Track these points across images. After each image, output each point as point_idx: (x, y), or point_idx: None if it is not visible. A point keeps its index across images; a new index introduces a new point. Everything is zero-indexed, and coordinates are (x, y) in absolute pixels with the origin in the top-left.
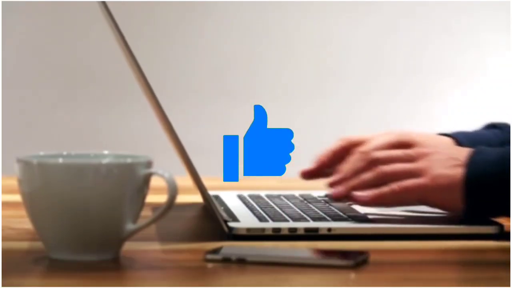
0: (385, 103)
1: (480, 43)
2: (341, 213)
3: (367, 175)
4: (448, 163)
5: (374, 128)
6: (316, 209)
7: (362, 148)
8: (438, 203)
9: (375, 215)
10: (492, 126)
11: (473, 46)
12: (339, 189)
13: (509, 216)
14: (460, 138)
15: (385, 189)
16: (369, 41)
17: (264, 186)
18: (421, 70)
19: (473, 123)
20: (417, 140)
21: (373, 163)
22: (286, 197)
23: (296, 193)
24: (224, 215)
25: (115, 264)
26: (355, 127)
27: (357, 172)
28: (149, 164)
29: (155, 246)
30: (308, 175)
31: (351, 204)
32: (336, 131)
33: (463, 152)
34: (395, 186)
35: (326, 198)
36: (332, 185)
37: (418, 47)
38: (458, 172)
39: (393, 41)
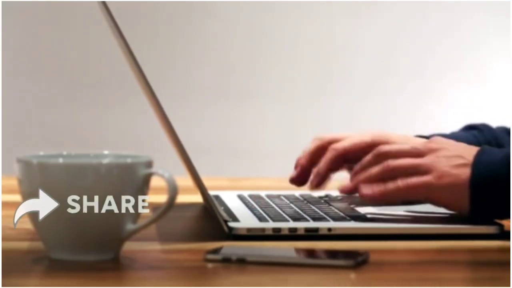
0: (387, 103)
1: (483, 44)
2: (341, 213)
3: (374, 169)
4: (455, 161)
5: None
6: (316, 209)
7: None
8: (443, 202)
9: (375, 215)
10: (470, 128)
11: (476, 47)
12: (348, 185)
13: None
14: None
15: (390, 186)
16: (372, 42)
17: (264, 186)
18: (424, 71)
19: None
20: (391, 138)
21: (381, 156)
22: (286, 197)
23: (296, 193)
24: (224, 215)
25: (115, 264)
26: (357, 127)
27: (365, 167)
28: (149, 164)
29: (155, 246)
30: (298, 182)
31: (352, 204)
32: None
33: (470, 151)
34: (400, 183)
35: (326, 198)
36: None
37: (421, 48)
38: (464, 172)
39: (396, 42)
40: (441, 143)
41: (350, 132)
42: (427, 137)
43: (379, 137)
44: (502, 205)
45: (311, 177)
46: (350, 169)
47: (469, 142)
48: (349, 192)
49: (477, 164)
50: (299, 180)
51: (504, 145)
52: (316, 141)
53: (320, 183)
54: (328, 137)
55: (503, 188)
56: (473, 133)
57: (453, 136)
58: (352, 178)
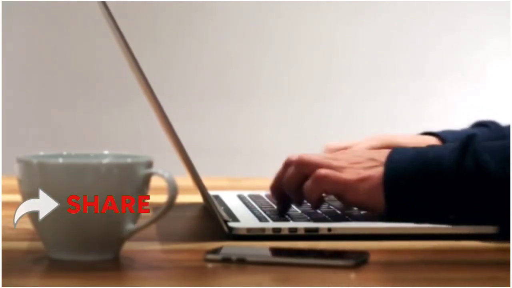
0: (387, 104)
1: (484, 45)
2: (341, 213)
3: (289, 170)
4: (367, 164)
5: (377, 129)
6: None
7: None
8: (358, 201)
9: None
10: (480, 124)
11: (477, 47)
12: (278, 207)
13: (433, 222)
14: (445, 136)
15: (307, 182)
16: (372, 42)
17: (264, 186)
18: (425, 71)
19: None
20: (399, 142)
21: (290, 162)
22: None
23: None
24: (224, 215)
25: (115, 264)
26: (358, 128)
27: (280, 177)
28: (149, 164)
29: (155, 246)
30: None
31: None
32: (340, 132)
33: (382, 153)
34: (316, 172)
35: (326, 198)
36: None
37: (421, 49)
38: (377, 171)
39: (397, 43)
40: (350, 151)
41: (358, 139)
42: (435, 134)
43: (387, 141)
44: (417, 204)
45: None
46: None
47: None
48: (273, 194)
49: (388, 162)
50: None
51: None
52: (326, 150)
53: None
54: (338, 146)
55: (415, 186)
56: (482, 130)
57: (463, 132)
58: (273, 195)
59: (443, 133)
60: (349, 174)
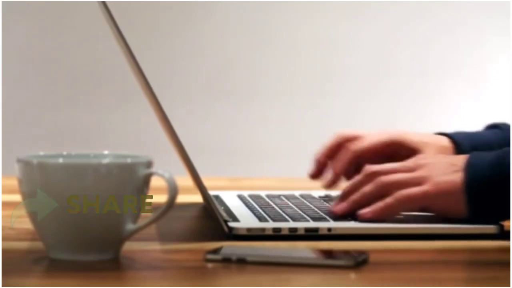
0: (389, 103)
1: (485, 45)
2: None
3: (367, 187)
4: (448, 169)
5: (378, 129)
6: (316, 209)
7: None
8: (442, 209)
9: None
10: (493, 126)
11: (478, 47)
12: (342, 205)
13: None
14: (458, 138)
15: (389, 200)
16: (374, 42)
17: (264, 186)
18: (426, 71)
19: (477, 124)
20: (408, 139)
21: (372, 175)
22: (286, 197)
23: (296, 193)
24: (224, 215)
25: (115, 264)
26: (359, 127)
27: (357, 186)
28: (149, 164)
29: (155, 246)
30: (315, 176)
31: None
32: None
33: (460, 158)
34: (398, 195)
35: (326, 198)
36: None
37: (423, 48)
38: (458, 176)
39: (398, 42)
40: (429, 158)
41: (369, 131)
42: (447, 135)
43: (397, 136)
44: (499, 206)
45: (327, 175)
46: None
47: (491, 140)
48: (344, 213)
49: (468, 167)
50: (317, 175)
51: None
52: (336, 138)
53: (334, 182)
54: (348, 135)
55: (496, 189)
56: (495, 132)
57: (475, 134)
58: (343, 199)
59: (456, 135)
60: (430, 185)
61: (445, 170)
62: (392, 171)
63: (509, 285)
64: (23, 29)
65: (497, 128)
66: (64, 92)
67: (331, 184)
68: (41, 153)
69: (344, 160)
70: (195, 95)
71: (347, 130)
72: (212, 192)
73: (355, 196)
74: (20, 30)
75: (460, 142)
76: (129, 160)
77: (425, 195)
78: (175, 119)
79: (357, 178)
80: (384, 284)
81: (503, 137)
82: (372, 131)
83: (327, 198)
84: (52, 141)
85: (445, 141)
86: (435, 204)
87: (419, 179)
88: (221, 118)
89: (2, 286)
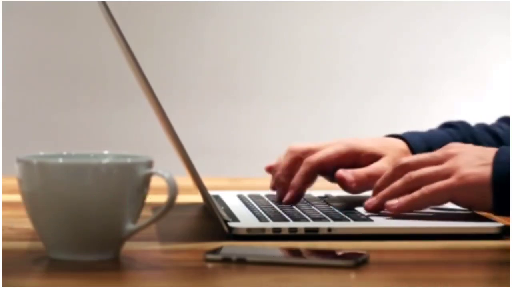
0: (390, 103)
1: (486, 44)
2: (341, 213)
3: (397, 183)
4: (476, 162)
5: (379, 129)
6: (316, 209)
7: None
8: (468, 201)
9: (375, 215)
10: (447, 125)
11: (479, 47)
12: (372, 200)
13: None
14: (411, 139)
15: (416, 194)
16: (374, 43)
17: (264, 186)
18: (426, 71)
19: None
20: (366, 147)
21: (402, 169)
22: None
23: None
24: (224, 215)
25: (115, 264)
26: (359, 129)
27: (388, 180)
28: (149, 164)
29: (155, 246)
30: (279, 199)
31: (351, 205)
32: (340, 133)
33: (489, 152)
34: (425, 189)
35: (326, 198)
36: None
37: (423, 48)
38: (486, 170)
39: (399, 42)
40: (459, 147)
41: (323, 142)
42: (400, 136)
43: (353, 146)
44: None
45: (287, 192)
46: (330, 180)
47: (445, 139)
48: (375, 209)
49: (497, 162)
50: (280, 197)
51: (481, 142)
52: (290, 154)
53: (295, 197)
54: (301, 149)
55: None
56: (449, 131)
57: (430, 134)
58: (374, 194)
59: (408, 135)
60: (456, 178)
61: (473, 162)
62: (422, 164)
63: (509, 285)
64: (23, 29)
65: (451, 127)
66: (64, 92)
67: (292, 201)
68: (41, 153)
69: (302, 174)
70: (195, 95)
71: (299, 144)
72: (212, 192)
73: (385, 192)
74: (20, 30)
75: (416, 146)
76: (129, 160)
77: (450, 189)
78: (175, 119)
79: (388, 172)
80: (384, 284)
81: (460, 137)
82: (325, 141)
83: (327, 198)
84: (52, 141)
85: (402, 145)
86: (461, 196)
87: (447, 170)
88: (221, 118)
89: (2, 286)
